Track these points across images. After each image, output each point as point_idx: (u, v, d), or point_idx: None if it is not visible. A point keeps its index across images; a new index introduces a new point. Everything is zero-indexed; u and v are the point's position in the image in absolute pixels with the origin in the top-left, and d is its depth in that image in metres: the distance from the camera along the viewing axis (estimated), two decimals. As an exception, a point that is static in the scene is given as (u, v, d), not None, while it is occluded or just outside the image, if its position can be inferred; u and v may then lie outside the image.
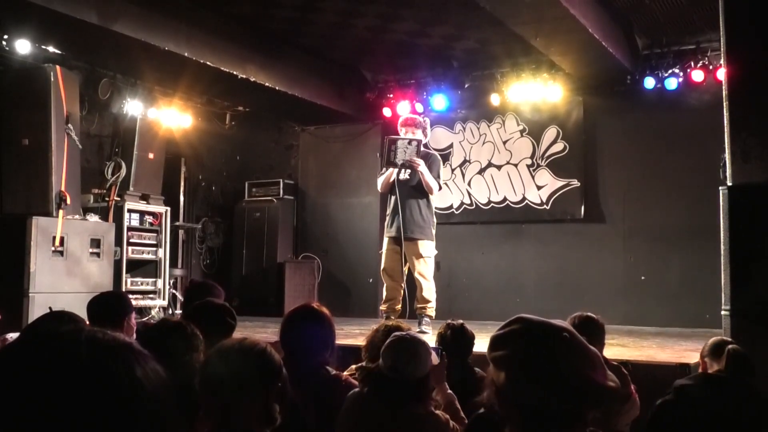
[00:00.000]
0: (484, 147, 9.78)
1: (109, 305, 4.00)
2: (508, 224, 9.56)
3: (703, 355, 3.66)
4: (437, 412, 2.87)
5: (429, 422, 2.77)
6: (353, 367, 3.65)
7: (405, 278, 6.91)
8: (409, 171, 6.79)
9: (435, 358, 2.96)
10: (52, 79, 7.30)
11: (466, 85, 9.53)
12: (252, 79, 8.48)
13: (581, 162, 9.17)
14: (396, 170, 6.81)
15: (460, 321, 4.00)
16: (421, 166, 6.66)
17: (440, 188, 7.02)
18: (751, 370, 3.29)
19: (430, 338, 5.40)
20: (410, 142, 6.68)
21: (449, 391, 3.22)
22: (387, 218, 7.00)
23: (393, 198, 6.86)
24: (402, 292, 6.87)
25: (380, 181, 7.03)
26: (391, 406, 2.74)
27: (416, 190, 6.80)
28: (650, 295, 8.57)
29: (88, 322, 4.13)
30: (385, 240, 6.99)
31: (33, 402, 0.79)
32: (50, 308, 6.38)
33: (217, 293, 4.56)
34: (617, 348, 5.63)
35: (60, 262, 7.27)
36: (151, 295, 8.81)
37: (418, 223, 6.78)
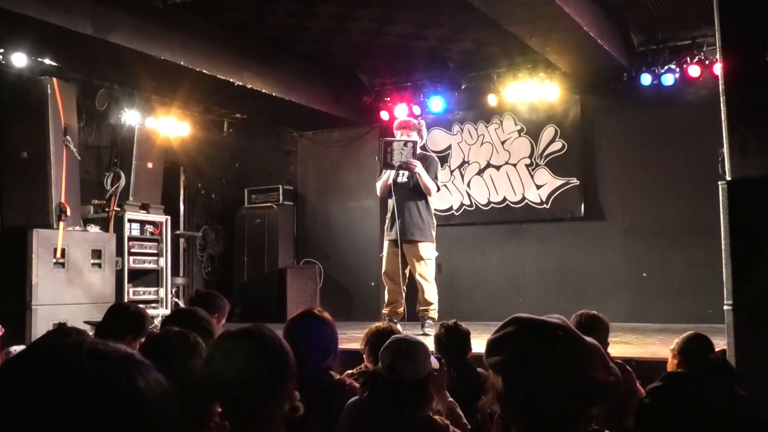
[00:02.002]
0: (483, 148, 9.78)
1: (124, 316, 4.00)
2: (509, 224, 9.56)
3: (673, 351, 3.61)
4: (436, 417, 2.87)
5: (428, 427, 2.76)
6: (350, 372, 3.67)
7: (406, 281, 6.92)
8: (406, 173, 6.80)
9: (435, 363, 2.97)
10: (49, 91, 7.30)
11: (462, 87, 9.53)
12: (249, 86, 8.49)
13: (580, 160, 9.17)
14: (393, 172, 6.82)
15: (453, 320, 4.04)
16: (419, 167, 6.67)
17: (438, 189, 7.03)
18: (733, 374, 3.23)
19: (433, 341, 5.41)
20: (406, 143, 6.69)
21: (450, 399, 3.22)
22: (386, 221, 7.01)
23: (392, 201, 6.87)
24: (404, 294, 6.88)
25: (379, 185, 7.05)
26: (390, 408, 2.74)
27: (414, 192, 6.81)
28: (652, 292, 8.57)
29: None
30: (386, 243, 7.00)
31: (35, 415, 0.80)
32: (58, 323, 6.40)
33: (221, 303, 4.55)
34: (621, 345, 5.63)
35: (62, 273, 7.27)
36: (153, 305, 8.80)
37: (417, 225, 6.78)
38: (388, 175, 6.87)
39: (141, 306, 4.51)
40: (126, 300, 8.35)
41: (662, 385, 1.72)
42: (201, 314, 3.64)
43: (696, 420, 1.55)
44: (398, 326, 5.11)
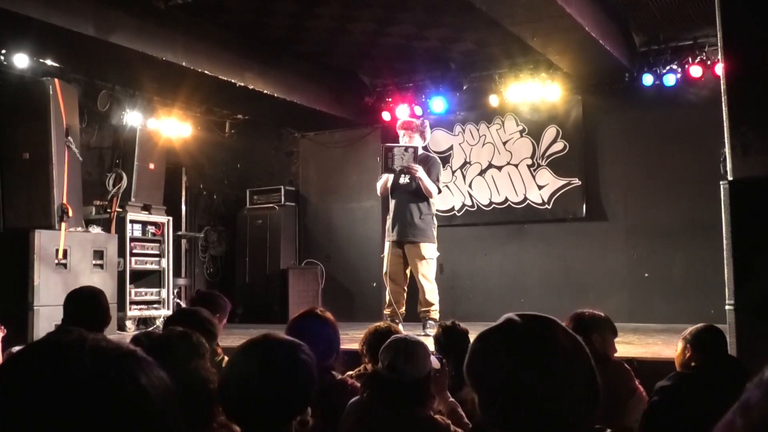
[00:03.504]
0: (484, 148, 9.78)
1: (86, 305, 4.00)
2: (511, 225, 9.56)
3: (686, 340, 3.54)
4: (437, 417, 2.87)
5: (429, 426, 2.76)
6: (350, 373, 3.66)
7: (408, 281, 6.92)
8: (408, 175, 6.81)
9: (435, 363, 2.97)
10: (51, 92, 7.31)
11: (464, 87, 9.53)
12: (251, 87, 8.49)
13: (581, 161, 9.17)
14: (393, 175, 6.83)
15: (451, 320, 4.06)
16: (420, 172, 6.67)
17: (440, 191, 7.03)
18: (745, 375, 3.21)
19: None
20: (406, 149, 6.70)
21: (451, 399, 3.23)
22: (388, 222, 7.01)
23: (393, 202, 6.88)
24: (405, 295, 6.88)
25: (378, 186, 7.06)
26: (390, 408, 2.74)
27: (416, 193, 6.80)
28: (654, 292, 8.56)
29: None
30: (387, 244, 6.99)
31: (37, 412, 0.80)
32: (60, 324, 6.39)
33: (222, 303, 4.56)
34: (623, 345, 5.61)
35: (64, 274, 7.27)
36: (155, 305, 8.81)
37: (418, 225, 6.78)
38: (386, 178, 6.88)
39: (142, 301, 4.51)
40: (128, 301, 8.36)
41: (671, 385, 1.73)
42: (204, 314, 3.64)
43: (702, 420, 1.55)
44: (400, 327, 5.11)
